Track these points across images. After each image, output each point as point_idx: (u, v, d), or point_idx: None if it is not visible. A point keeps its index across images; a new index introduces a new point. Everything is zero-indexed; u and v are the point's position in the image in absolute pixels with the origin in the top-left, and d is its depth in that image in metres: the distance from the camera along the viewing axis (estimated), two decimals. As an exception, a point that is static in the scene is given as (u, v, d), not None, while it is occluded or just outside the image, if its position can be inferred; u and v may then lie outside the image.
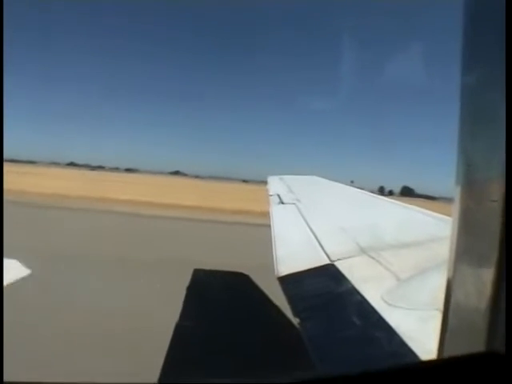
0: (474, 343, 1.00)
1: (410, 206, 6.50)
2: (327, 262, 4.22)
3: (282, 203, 7.38)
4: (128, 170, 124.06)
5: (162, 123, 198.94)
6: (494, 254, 0.97)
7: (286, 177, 10.40)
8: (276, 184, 9.46)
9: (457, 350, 1.08)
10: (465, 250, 1.14)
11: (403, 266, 3.72)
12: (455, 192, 1.17)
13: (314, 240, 4.97)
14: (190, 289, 11.06)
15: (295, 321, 3.26)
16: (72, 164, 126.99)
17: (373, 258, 4.07)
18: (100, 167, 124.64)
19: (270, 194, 8.31)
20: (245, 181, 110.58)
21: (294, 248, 5.07)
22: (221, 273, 12.84)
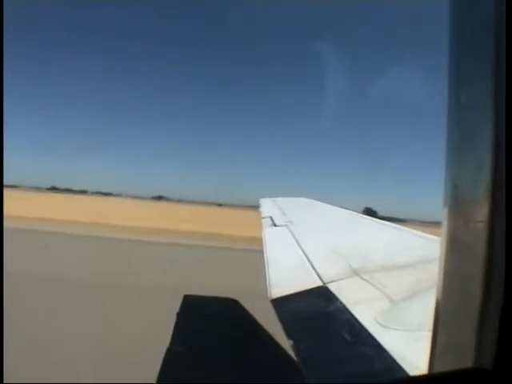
0: (462, 360, 1.02)
1: (401, 227, 6.54)
2: (320, 284, 4.22)
3: (275, 225, 7.40)
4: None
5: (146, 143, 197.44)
6: (480, 274, 1.00)
7: (278, 199, 10.44)
8: (268, 206, 9.48)
9: (445, 366, 1.10)
10: (453, 270, 1.17)
11: (396, 287, 3.73)
12: (443, 213, 1.20)
13: (307, 262, 4.97)
14: (180, 314, 10.95)
15: (288, 343, 3.25)
16: (54, 188, 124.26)
17: (365, 279, 4.09)
18: (83, 191, 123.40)
19: (263, 216, 8.33)
20: (220, 205, 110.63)
21: (286, 270, 5.07)
22: (210, 298, 12.76)
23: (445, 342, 1.18)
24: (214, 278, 15.92)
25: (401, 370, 2.31)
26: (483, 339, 0.97)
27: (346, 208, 9.22)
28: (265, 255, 5.54)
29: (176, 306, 11.44)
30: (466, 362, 1.00)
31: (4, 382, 1.70)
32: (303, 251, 5.43)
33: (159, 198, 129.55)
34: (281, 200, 10.26)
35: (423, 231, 5.93)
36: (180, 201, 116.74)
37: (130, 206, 69.03)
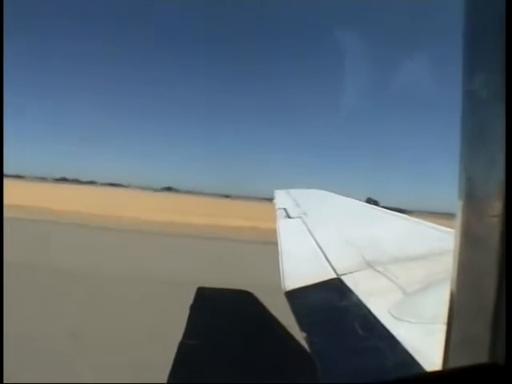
0: (476, 355, 1.02)
1: (415, 219, 6.49)
2: (334, 276, 4.23)
3: (289, 217, 7.40)
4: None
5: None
6: (494, 268, 0.99)
7: (292, 190, 10.42)
8: (282, 198, 9.48)
9: (460, 361, 1.10)
10: (466, 264, 1.16)
11: (409, 279, 3.72)
12: (457, 206, 1.20)
13: (321, 254, 4.97)
14: (193, 307, 10.99)
15: (302, 335, 3.27)
16: (64, 179, 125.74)
17: (379, 271, 4.08)
18: (91, 182, 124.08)
19: (277, 207, 8.34)
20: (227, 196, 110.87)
21: (300, 262, 5.08)
22: (224, 291, 12.79)
23: (459, 336, 1.17)
24: (225, 270, 16.00)
25: (415, 363, 2.30)
26: (497, 334, 0.97)
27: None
28: (279, 247, 5.55)
29: (185, 299, 11.48)
30: (481, 356, 1.00)
31: (4, 382, 1.72)
32: (317, 243, 5.43)
33: (168, 189, 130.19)
34: (295, 191, 10.25)
35: (432, 222, 5.89)
36: (189, 192, 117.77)
37: (139, 197, 69.27)
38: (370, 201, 10.08)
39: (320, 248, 5.20)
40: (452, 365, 1.16)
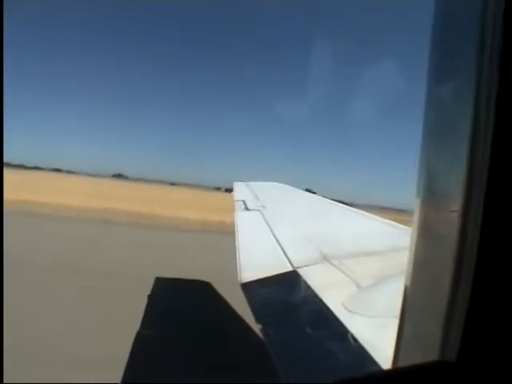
0: (427, 352, 1.02)
1: (373, 215, 6.62)
2: (290, 268, 4.25)
3: (248, 209, 7.39)
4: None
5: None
6: (450, 265, 0.99)
7: (251, 183, 10.41)
8: (242, 190, 9.45)
9: (411, 358, 1.10)
10: (422, 260, 1.16)
11: (364, 273, 3.78)
12: (415, 202, 1.20)
13: (278, 247, 4.99)
14: (151, 297, 10.84)
15: (257, 327, 3.26)
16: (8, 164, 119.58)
17: (334, 265, 4.13)
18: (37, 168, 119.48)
19: (236, 199, 8.30)
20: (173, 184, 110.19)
21: (257, 255, 5.08)
22: (182, 281, 12.68)
23: (411, 332, 1.18)
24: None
25: (367, 356, 2.34)
26: (449, 331, 0.97)
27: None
28: (236, 239, 5.53)
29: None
30: (432, 353, 1.00)
31: (4, 382, 1.64)
32: (275, 236, 5.45)
33: (118, 175, 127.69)
34: (254, 184, 10.24)
35: (392, 218, 6.03)
36: (139, 179, 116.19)
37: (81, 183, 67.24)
38: (308, 191, 10.23)
39: (277, 241, 5.21)
40: (403, 360, 1.17)
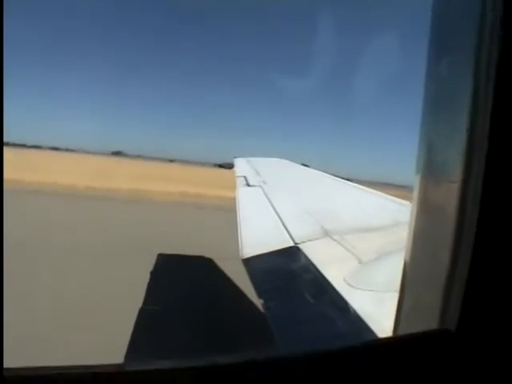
0: (428, 322, 1.03)
1: (375, 191, 6.60)
2: (291, 244, 4.26)
3: (249, 185, 7.38)
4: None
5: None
6: (450, 235, 0.99)
7: (252, 159, 10.37)
8: (243, 166, 9.42)
9: (411, 328, 1.11)
10: (422, 232, 1.16)
11: (366, 249, 3.79)
12: (416, 176, 1.19)
13: (279, 222, 4.99)
14: (153, 273, 10.91)
15: (259, 302, 3.29)
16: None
17: (336, 240, 4.14)
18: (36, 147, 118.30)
19: (237, 175, 8.28)
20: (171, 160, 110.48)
21: (259, 230, 5.09)
22: (184, 257, 12.75)
23: (411, 304, 1.18)
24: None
25: (368, 330, 2.36)
26: (449, 302, 0.97)
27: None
28: (238, 215, 5.54)
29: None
30: (432, 324, 1.01)
31: (4, 367, 1.65)
32: (276, 211, 5.45)
33: (118, 153, 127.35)
34: (255, 160, 10.20)
35: (394, 194, 6.01)
36: (138, 156, 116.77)
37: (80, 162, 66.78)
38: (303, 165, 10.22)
39: (279, 216, 5.22)
40: (403, 332, 1.18)
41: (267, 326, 2.88)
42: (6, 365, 0.80)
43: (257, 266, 3.97)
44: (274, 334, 2.72)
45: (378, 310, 2.52)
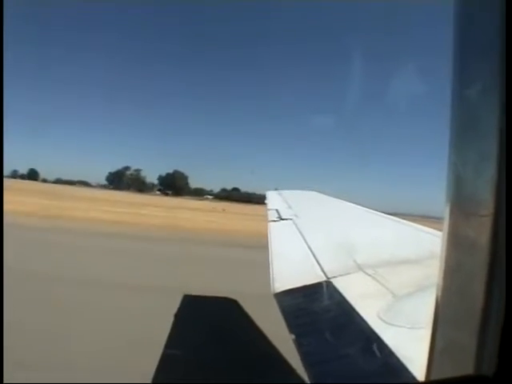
0: (462, 365, 0.96)
1: (409, 222, 6.45)
2: (324, 278, 4.18)
3: (281, 218, 7.36)
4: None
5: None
6: (483, 271, 0.94)
7: (284, 191, 10.39)
8: (274, 199, 9.44)
9: (445, 370, 1.04)
10: (454, 267, 1.11)
11: (400, 283, 3.68)
12: (445, 207, 1.14)
13: (311, 256, 4.93)
14: (177, 316, 10.80)
15: (290, 337, 3.22)
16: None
17: (369, 274, 4.03)
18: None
19: (269, 208, 8.29)
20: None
21: (290, 264, 5.03)
22: (210, 298, 12.64)
23: (444, 344, 1.12)
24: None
25: (402, 369, 2.25)
26: (485, 343, 0.91)
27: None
28: (269, 248, 5.51)
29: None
30: (467, 366, 0.94)
31: (4, 382, 1.67)
32: (308, 245, 5.39)
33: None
34: (286, 192, 10.20)
35: (434, 227, 5.84)
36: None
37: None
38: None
39: (311, 250, 5.15)
40: (436, 373, 1.10)
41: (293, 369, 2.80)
42: (5, 380, 0.80)
43: (288, 301, 3.91)
44: (305, 372, 2.64)
45: (412, 347, 2.41)
